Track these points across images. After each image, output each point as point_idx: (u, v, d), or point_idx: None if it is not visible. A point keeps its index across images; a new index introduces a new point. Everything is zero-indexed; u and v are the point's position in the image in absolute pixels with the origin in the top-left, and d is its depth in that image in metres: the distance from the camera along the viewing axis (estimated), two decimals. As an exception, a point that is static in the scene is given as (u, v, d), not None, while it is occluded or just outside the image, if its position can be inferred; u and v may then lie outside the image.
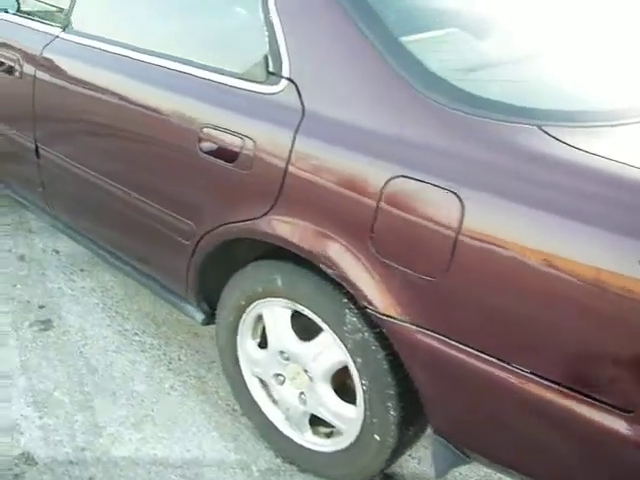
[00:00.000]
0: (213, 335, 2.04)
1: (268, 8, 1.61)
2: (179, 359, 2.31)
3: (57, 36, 2.23)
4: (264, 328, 1.80)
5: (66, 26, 2.22)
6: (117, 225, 2.19)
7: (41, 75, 2.21)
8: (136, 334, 2.43)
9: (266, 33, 1.60)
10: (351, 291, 1.47)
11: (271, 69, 1.59)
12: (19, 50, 2.32)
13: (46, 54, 2.22)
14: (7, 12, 2.49)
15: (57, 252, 2.94)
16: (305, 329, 1.67)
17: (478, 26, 1.68)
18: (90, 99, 2.04)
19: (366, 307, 1.45)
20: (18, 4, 2.51)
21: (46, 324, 2.45)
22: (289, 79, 1.56)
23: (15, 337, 2.37)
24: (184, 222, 1.83)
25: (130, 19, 2.12)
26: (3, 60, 2.37)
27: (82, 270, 2.82)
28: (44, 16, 2.41)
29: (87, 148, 2.17)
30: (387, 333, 1.44)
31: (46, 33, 2.27)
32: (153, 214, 1.93)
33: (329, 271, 1.49)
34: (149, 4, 2.08)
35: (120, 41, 2.02)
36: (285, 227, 1.56)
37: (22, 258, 2.87)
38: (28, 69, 2.26)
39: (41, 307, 2.55)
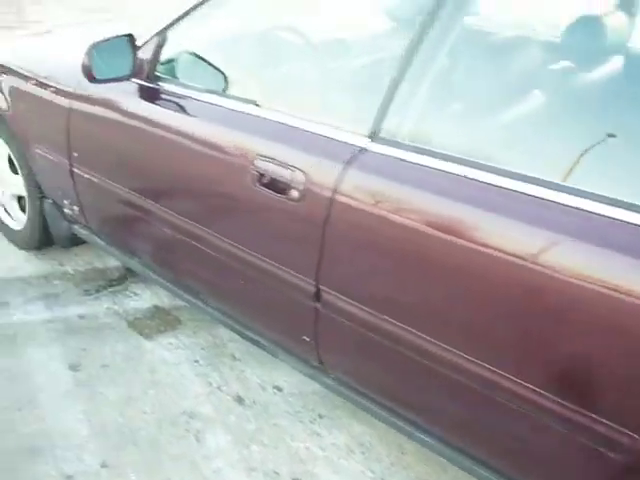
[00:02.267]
0: None
1: None
2: None
3: (363, 148, 1.62)
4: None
5: (374, 133, 1.61)
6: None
7: (344, 206, 1.60)
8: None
9: None
10: None
11: None
12: (287, 162, 1.73)
13: (352, 174, 1.61)
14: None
15: (279, 389, 2.34)
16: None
17: None
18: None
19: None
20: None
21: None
22: None
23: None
24: None
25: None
26: (267, 172, 1.76)
27: (321, 416, 2.23)
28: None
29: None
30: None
31: (339, 142, 1.67)
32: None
33: None
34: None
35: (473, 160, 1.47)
36: None
37: (240, 400, 2.28)
38: (318, 194, 1.66)
39: (298, 483, 1.95)
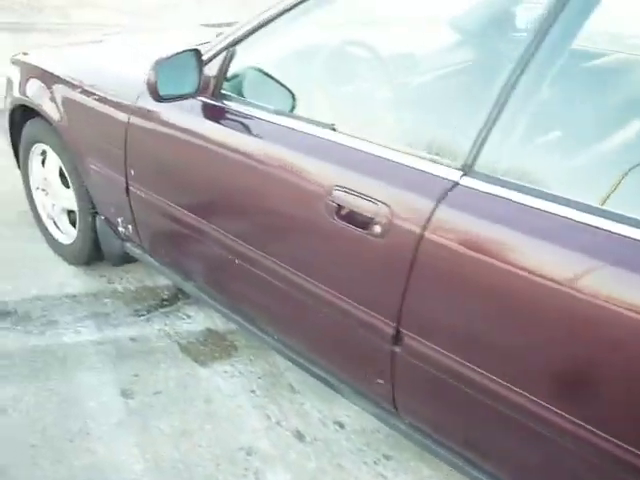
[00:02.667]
0: None
1: None
2: None
3: (456, 182, 1.48)
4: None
5: (470, 167, 1.47)
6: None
7: (433, 244, 1.47)
8: None
9: None
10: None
11: None
12: (375, 195, 1.59)
13: (443, 210, 1.47)
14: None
15: (341, 425, 2.21)
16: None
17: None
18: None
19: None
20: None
21: None
22: None
23: None
24: None
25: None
26: (346, 204, 1.64)
27: (387, 457, 2.10)
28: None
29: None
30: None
31: (429, 174, 1.53)
32: None
33: None
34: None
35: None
36: None
37: (300, 436, 2.15)
38: (404, 230, 1.54)
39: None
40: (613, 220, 1.28)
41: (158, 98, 1.87)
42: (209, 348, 2.50)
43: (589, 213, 1.30)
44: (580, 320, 1.29)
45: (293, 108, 1.92)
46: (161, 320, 2.63)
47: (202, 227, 2.07)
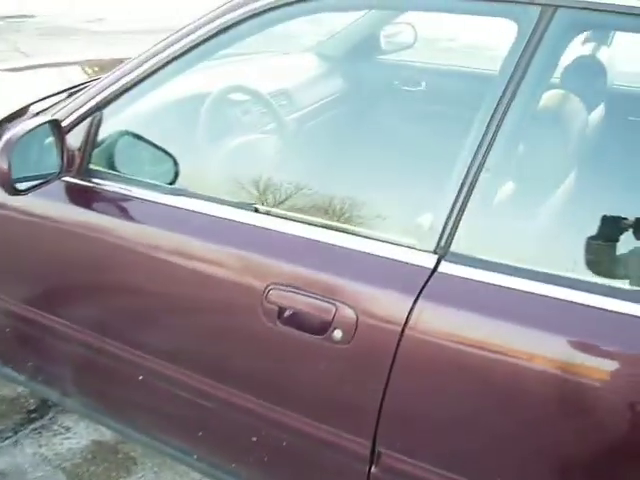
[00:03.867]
0: None
1: None
2: None
3: (429, 269, 1.21)
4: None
5: (443, 248, 1.21)
6: None
7: (411, 346, 1.20)
8: None
9: None
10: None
11: None
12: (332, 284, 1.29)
13: (419, 307, 1.20)
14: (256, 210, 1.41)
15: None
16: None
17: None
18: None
19: None
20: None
21: None
22: None
23: None
24: None
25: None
26: (291, 305, 1.32)
27: None
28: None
29: None
30: None
31: (396, 261, 1.25)
32: None
33: None
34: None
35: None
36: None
37: None
38: (374, 333, 1.25)
39: None
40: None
41: (13, 191, 1.43)
42: (102, 467, 2.05)
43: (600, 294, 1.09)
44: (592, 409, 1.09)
45: (191, 184, 1.55)
46: (34, 440, 2.13)
47: (84, 338, 1.64)
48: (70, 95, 1.90)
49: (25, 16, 7.81)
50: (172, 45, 1.49)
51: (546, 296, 1.14)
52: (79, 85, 2.03)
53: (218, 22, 1.41)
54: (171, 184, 1.57)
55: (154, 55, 1.50)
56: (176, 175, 1.60)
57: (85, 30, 7.68)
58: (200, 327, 1.44)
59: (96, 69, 2.33)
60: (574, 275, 1.16)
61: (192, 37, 1.45)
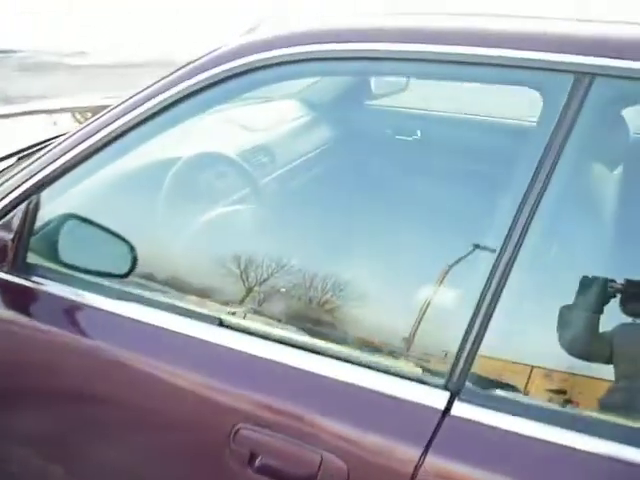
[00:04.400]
0: None
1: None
2: None
3: (441, 411, 0.94)
4: None
5: (457, 385, 0.94)
6: None
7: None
8: None
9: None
10: None
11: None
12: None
13: (430, 460, 0.92)
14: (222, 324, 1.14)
15: None
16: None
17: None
18: None
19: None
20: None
21: None
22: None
23: None
24: None
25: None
26: (265, 450, 1.06)
27: None
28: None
29: None
30: None
31: (399, 400, 0.97)
32: None
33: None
34: None
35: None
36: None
37: None
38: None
39: None
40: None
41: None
42: None
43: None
44: None
45: (146, 274, 1.28)
46: None
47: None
48: (20, 159, 1.66)
49: (11, 51, 7.64)
50: (124, 115, 1.24)
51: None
52: (30, 147, 1.78)
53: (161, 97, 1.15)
54: (127, 275, 1.29)
55: (97, 130, 1.23)
56: (133, 263, 1.33)
57: (66, 65, 7.43)
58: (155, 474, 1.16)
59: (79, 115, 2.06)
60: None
61: (140, 109, 1.19)
